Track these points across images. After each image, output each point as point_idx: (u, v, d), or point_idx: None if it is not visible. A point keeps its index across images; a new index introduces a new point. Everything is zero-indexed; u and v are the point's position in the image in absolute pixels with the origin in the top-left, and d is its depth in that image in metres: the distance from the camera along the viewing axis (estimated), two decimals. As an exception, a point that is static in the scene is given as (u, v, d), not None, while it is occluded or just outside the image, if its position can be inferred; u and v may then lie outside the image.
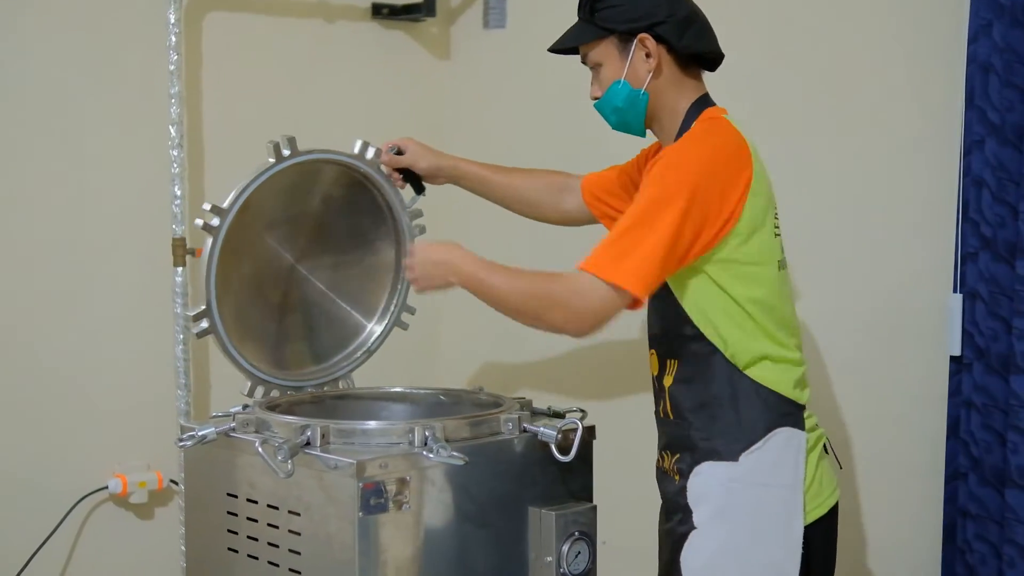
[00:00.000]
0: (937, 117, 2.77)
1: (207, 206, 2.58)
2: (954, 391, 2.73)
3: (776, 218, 2.34)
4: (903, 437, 2.87)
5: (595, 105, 2.44)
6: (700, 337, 2.28)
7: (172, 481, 3.39)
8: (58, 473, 3.27)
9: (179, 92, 3.25)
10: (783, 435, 2.28)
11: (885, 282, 2.88)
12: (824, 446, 2.40)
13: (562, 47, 2.44)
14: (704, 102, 2.39)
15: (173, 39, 3.24)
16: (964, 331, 2.70)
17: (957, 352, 2.72)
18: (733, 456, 2.27)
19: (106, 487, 3.32)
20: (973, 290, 2.68)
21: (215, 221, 2.56)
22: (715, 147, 2.27)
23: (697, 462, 2.31)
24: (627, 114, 2.39)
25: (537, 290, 2.25)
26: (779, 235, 2.34)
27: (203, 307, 2.60)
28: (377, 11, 3.71)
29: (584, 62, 2.45)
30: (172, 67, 3.24)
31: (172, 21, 3.23)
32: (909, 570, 2.87)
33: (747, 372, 2.28)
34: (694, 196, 2.19)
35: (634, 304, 2.20)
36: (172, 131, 3.26)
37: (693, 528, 2.30)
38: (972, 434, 2.68)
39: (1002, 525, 2.61)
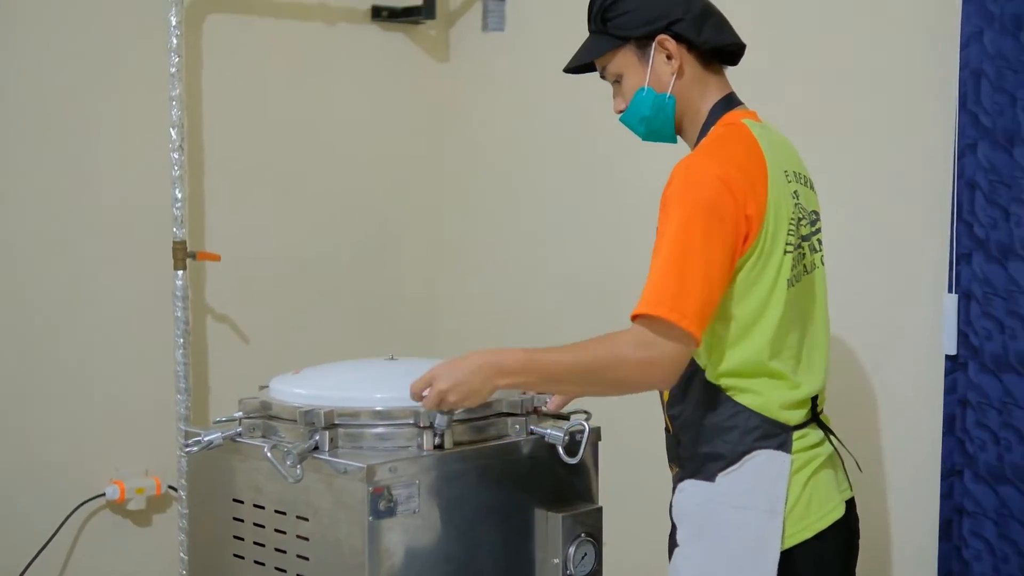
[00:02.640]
0: (931, 121, 2.81)
1: None
2: (949, 389, 2.77)
3: (791, 234, 2.23)
4: (900, 435, 2.91)
5: (621, 119, 2.35)
6: None
7: (170, 487, 3.40)
8: (56, 479, 3.28)
9: (180, 95, 3.27)
10: (762, 457, 2.21)
11: (881, 282, 2.93)
12: (828, 460, 2.31)
13: (579, 64, 2.36)
14: (728, 103, 2.32)
15: (175, 41, 3.25)
16: (959, 331, 2.74)
17: (952, 351, 2.76)
18: (711, 476, 2.23)
19: (103, 494, 3.32)
20: (967, 290, 2.72)
21: None
22: (726, 160, 2.18)
23: (682, 479, 2.29)
24: (655, 121, 2.31)
25: (602, 352, 2.15)
26: (791, 252, 2.23)
27: None
28: (377, 13, 3.75)
29: (603, 76, 2.37)
30: (173, 69, 3.26)
31: (174, 23, 3.24)
32: (906, 566, 2.92)
33: (729, 392, 2.22)
34: (713, 213, 2.11)
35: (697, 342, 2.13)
36: (173, 134, 3.27)
37: (677, 545, 2.29)
38: (967, 432, 2.72)
39: (997, 521, 2.66)
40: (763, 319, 2.21)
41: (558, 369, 2.20)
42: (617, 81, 2.35)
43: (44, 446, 3.27)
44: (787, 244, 2.22)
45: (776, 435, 2.22)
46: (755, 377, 2.22)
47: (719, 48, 2.31)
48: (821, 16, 3.02)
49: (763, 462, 2.21)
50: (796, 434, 2.24)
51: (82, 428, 3.31)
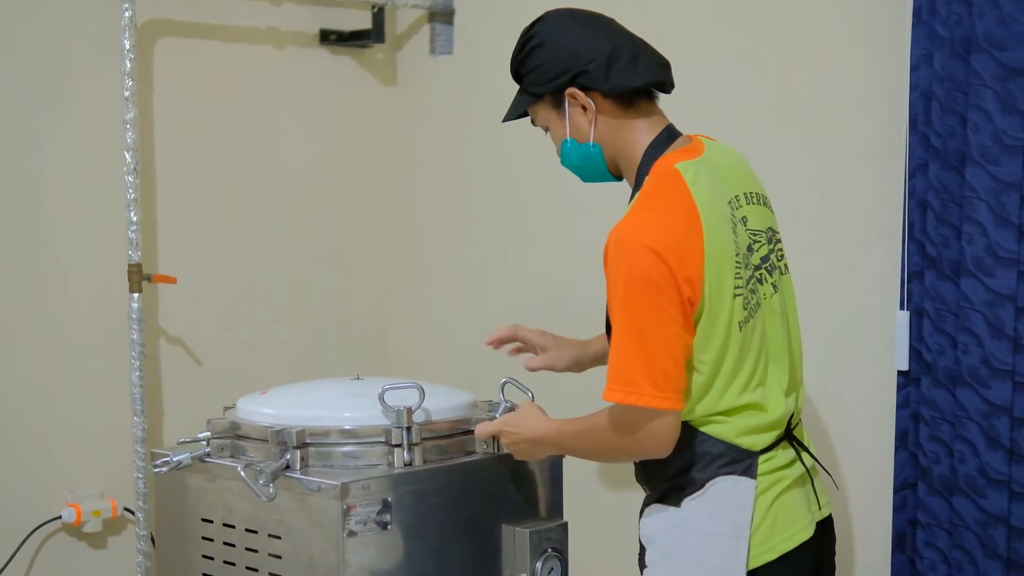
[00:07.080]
0: (883, 142, 2.88)
1: None
2: (902, 404, 2.83)
3: (739, 277, 2.23)
4: (854, 449, 2.97)
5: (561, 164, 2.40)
6: None
7: (126, 509, 3.37)
8: (11, 503, 3.24)
9: (134, 118, 3.26)
10: (726, 483, 2.23)
11: (835, 300, 2.99)
12: (797, 480, 2.32)
13: (511, 118, 2.40)
14: (661, 142, 2.30)
15: (128, 65, 3.24)
16: (912, 347, 2.81)
17: (905, 367, 2.82)
18: (677, 502, 2.26)
19: (59, 517, 3.29)
20: (919, 307, 2.79)
21: None
22: (656, 228, 2.16)
23: (650, 503, 2.32)
24: (587, 169, 2.36)
25: (601, 440, 2.28)
26: (741, 293, 2.23)
27: None
28: (325, 37, 3.76)
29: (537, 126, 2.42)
30: (127, 93, 3.25)
31: (127, 48, 3.23)
32: (861, 577, 2.98)
33: (693, 423, 2.23)
34: (651, 286, 2.14)
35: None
36: (127, 157, 3.26)
37: (646, 566, 2.32)
38: (920, 445, 2.78)
39: (950, 532, 2.71)
40: (723, 365, 2.23)
41: (579, 453, 2.42)
42: (547, 131, 2.40)
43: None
44: (736, 288, 2.23)
45: (741, 460, 2.25)
46: (711, 406, 2.24)
47: (634, 90, 2.29)
48: (772, 36, 3.09)
49: (728, 488, 2.24)
50: (762, 457, 2.26)
51: (37, 451, 3.28)
